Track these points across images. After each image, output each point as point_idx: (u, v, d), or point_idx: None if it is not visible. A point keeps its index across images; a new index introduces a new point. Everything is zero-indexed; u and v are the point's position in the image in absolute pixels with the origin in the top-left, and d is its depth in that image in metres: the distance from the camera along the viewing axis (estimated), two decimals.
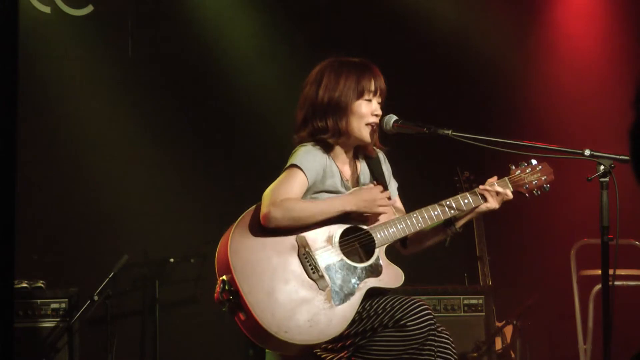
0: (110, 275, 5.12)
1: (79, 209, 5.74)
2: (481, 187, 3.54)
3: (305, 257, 3.32)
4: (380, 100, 3.51)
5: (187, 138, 6.06)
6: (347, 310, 3.30)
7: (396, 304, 3.28)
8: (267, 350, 3.48)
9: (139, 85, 5.94)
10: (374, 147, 3.59)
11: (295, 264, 3.31)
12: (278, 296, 3.24)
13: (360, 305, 3.33)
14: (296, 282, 3.28)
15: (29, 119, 5.51)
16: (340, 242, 3.40)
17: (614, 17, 6.69)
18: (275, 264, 3.29)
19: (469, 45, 6.45)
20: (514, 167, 3.59)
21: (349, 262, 3.38)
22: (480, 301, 5.37)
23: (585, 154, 3.34)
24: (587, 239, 5.61)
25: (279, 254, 3.31)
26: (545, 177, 3.59)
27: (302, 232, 3.36)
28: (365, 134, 3.47)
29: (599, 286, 5.21)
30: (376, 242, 3.42)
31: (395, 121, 3.52)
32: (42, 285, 5.02)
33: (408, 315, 3.24)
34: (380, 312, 3.29)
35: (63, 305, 4.97)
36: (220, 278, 3.26)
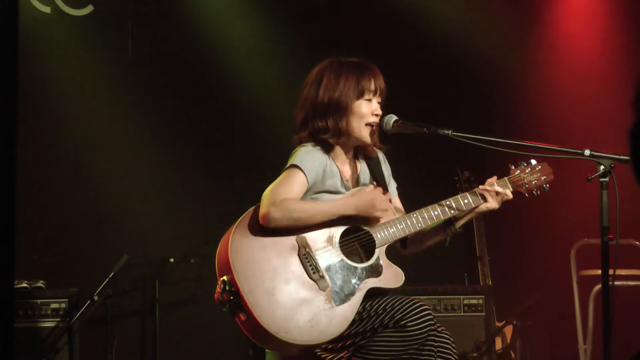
0: (110, 275, 5.13)
1: (79, 209, 5.74)
2: (481, 187, 3.54)
3: (306, 257, 3.32)
4: (380, 100, 3.51)
5: (187, 138, 6.06)
6: (348, 310, 3.30)
7: (396, 304, 3.29)
8: (267, 350, 3.49)
9: (139, 85, 5.94)
10: (374, 147, 3.59)
11: (295, 265, 3.31)
12: (278, 296, 3.24)
13: (360, 305, 3.33)
14: (297, 283, 3.28)
15: (29, 119, 5.51)
16: (340, 243, 3.40)
17: (614, 17, 6.69)
18: (276, 264, 3.29)
19: (469, 45, 6.45)
20: (513, 167, 3.59)
21: (349, 262, 3.38)
22: (480, 301, 5.37)
23: (585, 154, 3.34)
24: (587, 239, 5.61)
25: (279, 254, 3.31)
26: (545, 177, 3.59)
27: (302, 232, 3.36)
28: (365, 134, 3.48)
29: (599, 286, 5.21)
30: (376, 242, 3.42)
31: (395, 121, 3.52)
32: (42, 285, 5.02)
33: (408, 315, 3.24)
34: (380, 312, 3.30)
35: (63, 305, 4.97)
36: (221, 278, 3.26)
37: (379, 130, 3.53)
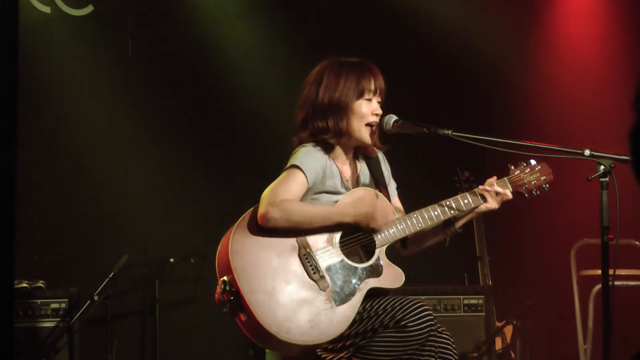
0: (110, 275, 5.13)
1: (79, 209, 5.74)
2: (481, 187, 3.54)
3: (306, 257, 3.32)
4: (380, 99, 3.51)
5: (187, 138, 6.06)
6: (348, 310, 3.30)
7: (397, 304, 3.29)
8: (267, 350, 3.49)
9: (139, 85, 5.94)
10: (374, 148, 3.59)
11: (296, 265, 3.31)
12: (279, 297, 3.24)
13: (360, 305, 3.33)
14: (297, 283, 3.28)
15: (29, 119, 5.51)
16: (340, 243, 3.40)
17: (614, 17, 6.69)
18: (276, 264, 3.29)
19: (469, 45, 6.45)
20: (513, 168, 3.59)
21: (349, 262, 3.38)
22: (480, 301, 5.37)
23: (585, 154, 3.34)
24: (587, 239, 5.62)
25: (279, 254, 3.31)
26: (545, 177, 3.59)
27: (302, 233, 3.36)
28: (365, 135, 3.47)
29: (599, 286, 5.21)
30: (376, 242, 3.42)
31: (395, 121, 3.52)
32: (42, 285, 5.02)
33: (408, 315, 3.24)
34: (380, 312, 3.30)
35: (63, 305, 4.97)
36: (221, 279, 3.26)
37: (379, 130, 3.53)
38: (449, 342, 3.33)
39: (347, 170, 3.54)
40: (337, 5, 6.37)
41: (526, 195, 3.58)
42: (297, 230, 3.33)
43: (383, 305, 3.31)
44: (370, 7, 6.38)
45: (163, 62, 6.04)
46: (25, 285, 4.94)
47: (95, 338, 5.36)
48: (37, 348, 4.86)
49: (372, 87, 3.47)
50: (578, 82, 6.63)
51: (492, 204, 3.51)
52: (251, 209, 3.36)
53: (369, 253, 3.43)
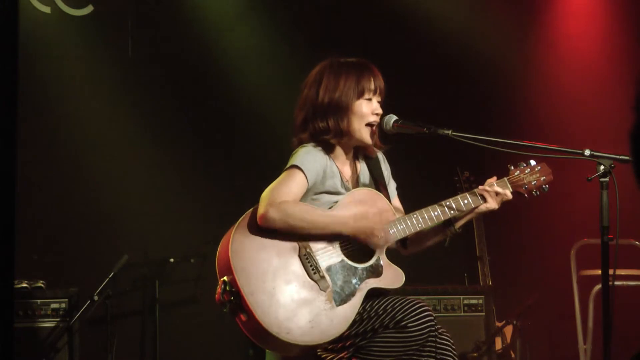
0: (110, 275, 5.13)
1: (79, 209, 5.74)
2: (480, 187, 3.54)
3: (306, 257, 3.32)
4: (380, 99, 3.51)
5: (187, 138, 6.06)
6: (348, 310, 3.30)
7: (397, 305, 3.29)
8: (267, 350, 3.48)
9: (139, 85, 5.94)
10: (374, 148, 3.59)
11: (296, 265, 3.31)
12: (279, 297, 3.24)
13: (361, 305, 3.33)
14: (297, 283, 3.28)
15: (29, 119, 5.51)
16: (340, 243, 3.40)
17: (614, 17, 6.69)
18: (277, 264, 3.29)
19: (469, 45, 6.45)
20: (512, 168, 3.59)
21: (349, 262, 3.38)
22: (480, 301, 5.37)
23: (585, 154, 3.34)
24: (587, 239, 5.61)
25: (280, 254, 3.31)
26: (544, 177, 3.59)
27: None
28: (365, 135, 3.47)
29: (599, 286, 5.21)
30: None
31: (395, 121, 3.52)
32: (42, 285, 5.02)
33: (409, 316, 3.24)
34: (380, 312, 3.30)
35: (63, 305, 4.97)
36: (222, 279, 3.26)
37: (379, 130, 3.53)
38: (449, 343, 3.33)
39: (347, 171, 3.54)
40: (337, 5, 6.37)
41: (526, 195, 3.58)
42: (296, 232, 3.33)
43: (383, 306, 3.31)
44: (370, 7, 6.38)
45: (163, 62, 6.04)
46: (25, 285, 4.94)
47: (95, 338, 5.36)
48: (37, 348, 4.86)
49: (372, 86, 3.47)
50: (578, 82, 6.63)
51: (492, 204, 3.51)
52: (251, 209, 3.36)
53: (369, 253, 3.43)
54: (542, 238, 6.44)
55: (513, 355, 5.48)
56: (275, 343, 3.23)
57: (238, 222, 3.33)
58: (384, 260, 3.43)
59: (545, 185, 3.59)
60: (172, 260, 5.72)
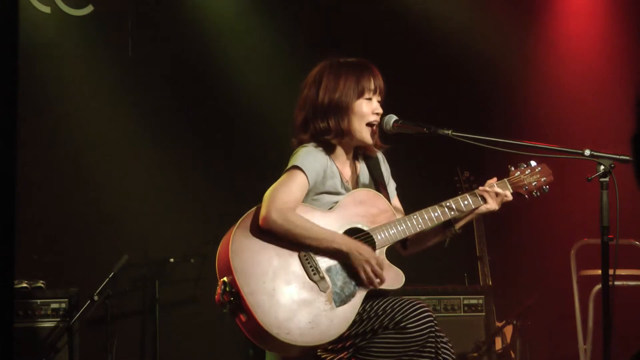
0: (110, 275, 5.13)
1: (79, 209, 5.74)
2: (481, 188, 3.55)
3: (306, 258, 3.32)
4: (379, 98, 3.51)
5: (187, 138, 6.06)
6: (348, 311, 3.30)
7: (397, 305, 3.28)
8: (267, 351, 3.48)
9: (139, 85, 5.94)
10: (375, 147, 3.58)
11: (296, 266, 3.31)
12: (279, 298, 3.24)
13: (361, 306, 3.33)
14: (297, 284, 3.28)
15: (29, 119, 5.51)
16: None
17: (614, 17, 6.69)
18: (277, 265, 3.29)
19: (469, 45, 6.45)
20: (513, 169, 3.59)
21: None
22: (480, 301, 5.37)
23: (585, 154, 3.33)
24: (587, 239, 5.61)
25: (280, 255, 3.31)
26: (545, 178, 3.59)
27: None
28: (365, 135, 3.47)
29: (599, 286, 5.21)
30: (377, 243, 3.42)
31: (395, 121, 3.52)
32: (42, 285, 5.02)
33: (408, 317, 3.24)
34: (380, 313, 3.29)
35: (63, 305, 4.97)
36: (221, 279, 3.26)
37: (379, 130, 3.52)
38: (447, 346, 3.33)
39: (347, 171, 3.54)
40: (337, 5, 6.37)
41: (526, 196, 3.58)
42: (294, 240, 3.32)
43: (383, 307, 3.31)
44: (370, 7, 6.38)
45: (163, 62, 6.04)
46: (25, 285, 4.94)
47: (95, 338, 5.36)
48: (37, 348, 4.86)
49: (372, 86, 3.47)
50: (578, 82, 6.63)
51: (492, 205, 3.51)
52: (252, 209, 3.36)
53: None
54: (542, 238, 6.44)
55: (513, 355, 5.48)
56: (275, 343, 3.23)
57: (238, 223, 3.33)
58: (384, 261, 3.42)
59: (545, 186, 3.59)
60: (172, 260, 5.72)
